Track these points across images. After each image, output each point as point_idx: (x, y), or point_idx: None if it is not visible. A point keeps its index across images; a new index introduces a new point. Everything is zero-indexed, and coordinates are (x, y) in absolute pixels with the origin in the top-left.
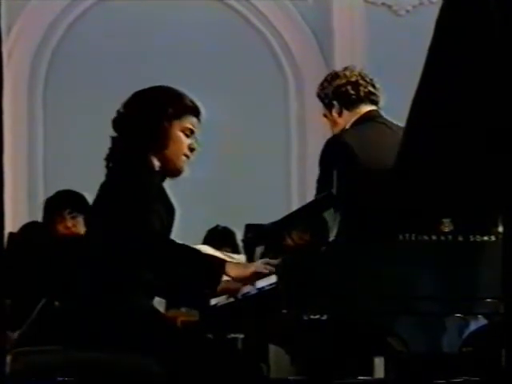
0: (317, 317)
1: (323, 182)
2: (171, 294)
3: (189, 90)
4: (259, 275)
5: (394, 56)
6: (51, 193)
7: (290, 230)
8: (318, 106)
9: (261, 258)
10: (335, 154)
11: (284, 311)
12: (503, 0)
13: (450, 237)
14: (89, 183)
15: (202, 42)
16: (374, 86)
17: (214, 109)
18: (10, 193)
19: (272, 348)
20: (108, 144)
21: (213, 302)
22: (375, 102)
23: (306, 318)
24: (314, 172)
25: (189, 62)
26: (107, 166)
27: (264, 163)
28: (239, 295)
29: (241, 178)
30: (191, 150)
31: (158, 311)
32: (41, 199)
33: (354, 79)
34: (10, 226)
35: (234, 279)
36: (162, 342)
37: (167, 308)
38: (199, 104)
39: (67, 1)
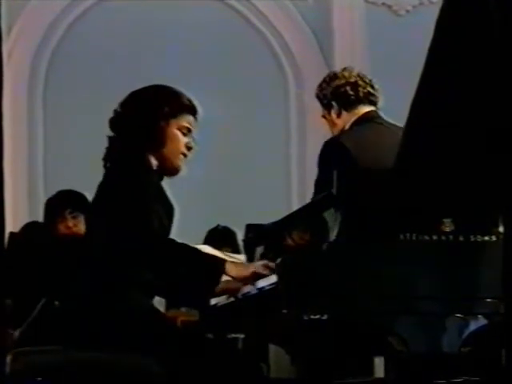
0: (317, 317)
1: (321, 184)
2: (171, 294)
3: (189, 90)
4: (259, 275)
5: (394, 56)
6: (51, 193)
7: (291, 230)
8: (317, 106)
9: (261, 258)
10: (332, 156)
11: (284, 311)
12: (503, 0)
13: (450, 237)
14: (89, 183)
15: (202, 42)
16: (372, 87)
17: (214, 109)
18: (10, 193)
19: (272, 348)
20: None
21: (213, 301)
22: (374, 103)
23: (306, 317)
24: (314, 172)
25: (189, 62)
26: (105, 166)
27: (264, 163)
28: (239, 295)
29: (241, 177)
30: (188, 148)
31: (158, 311)
32: (41, 199)
33: (352, 80)
34: (11, 226)
35: (234, 279)
36: (161, 341)
37: (167, 308)
38: (199, 104)
39: (67, 1)
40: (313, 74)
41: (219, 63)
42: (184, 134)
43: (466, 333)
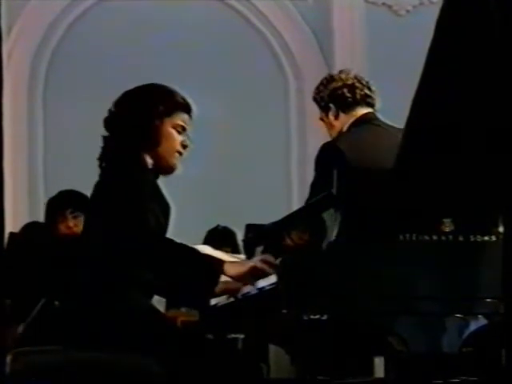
0: (317, 317)
1: (317, 187)
2: (171, 294)
3: (189, 90)
4: (258, 271)
5: (394, 56)
6: (51, 193)
7: (290, 230)
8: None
9: None
10: (328, 159)
11: (284, 311)
12: (503, 0)
13: (450, 237)
14: (89, 183)
15: (202, 41)
16: (369, 89)
17: (214, 109)
18: (10, 193)
19: (272, 348)
20: None
21: (213, 301)
22: (371, 105)
23: (306, 317)
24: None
25: (189, 62)
26: (100, 166)
27: (264, 163)
28: (239, 295)
29: (241, 177)
30: (184, 146)
31: (157, 311)
32: (41, 199)
33: (350, 82)
34: (11, 226)
35: (233, 278)
36: (161, 341)
37: (167, 308)
38: (200, 104)
39: (67, 1)
40: (313, 74)
41: (219, 63)
42: (179, 133)
43: (466, 333)
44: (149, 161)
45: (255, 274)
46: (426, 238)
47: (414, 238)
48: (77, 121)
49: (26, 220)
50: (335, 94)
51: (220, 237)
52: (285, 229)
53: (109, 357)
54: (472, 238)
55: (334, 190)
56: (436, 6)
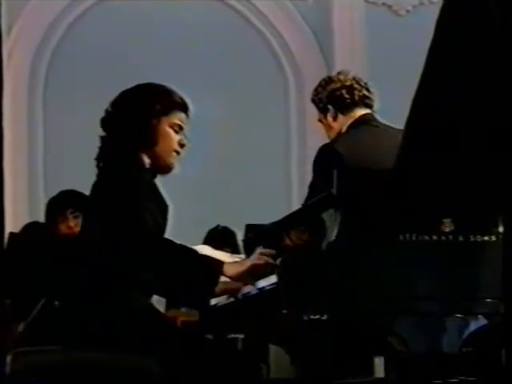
0: (317, 317)
1: (315, 188)
2: (171, 294)
3: (189, 90)
4: (257, 268)
5: (394, 56)
6: (51, 193)
7: (289, 230)
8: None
9: None
10: (326, 161)
11: (284, 311)
12: (503, 0)
13: (450, 237)
14: (89, 183)
15: (202, 41)
16: (368, 90)
17: (215, 109)
18: (10, 193)
19: (272, 348)
20: None
21: (213, 301)
22: (370, 106)
23: (306, 318)
24: None
25: (189, 62)
26: (98, 166)
27: (264, 163)
28: (239, 295)
29: (241, 177)
30: (181, 145)
31: (157, 311)
32: (41, 199)
33: (348, 83)
34: (11, 226)
35: (233, 278)
36: (161, 341)
37: (167, 308)
38: (200, 103)
39: (67, 1)
40: (313, 74)
41: (219, 63)
42: (176, 132)
43: (466, 333)
44: (146, 160)
45: (256, 272)
46: (426, 238)
47: (413, 238)
48: (77, 121)
49: (25, 220)
50: (334, 96)
51: (220, 237)
52: (285, 229)
53: (109, 357)
54: (472, 238)
55: (333, 190)
56: (436, 5)
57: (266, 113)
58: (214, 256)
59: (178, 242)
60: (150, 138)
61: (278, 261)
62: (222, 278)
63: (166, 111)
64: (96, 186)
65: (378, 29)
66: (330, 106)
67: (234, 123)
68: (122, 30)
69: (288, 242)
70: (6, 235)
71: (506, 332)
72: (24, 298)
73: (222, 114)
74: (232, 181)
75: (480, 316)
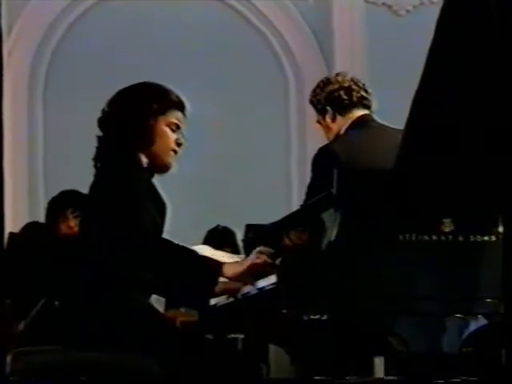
0: (317, 317)
1: (313, 189)
2: (171, 294)
3: (189, 90)
4: (256, 267)
5: (394, 56)
6: (51, 193)
7: (289, 230)
8: None
9: None
10: (323, 163)
11: (284, 311)
12: (503, 0)
13: (450, 237)
14: (89, 183)
15: (202, 41)
16: (366, 91)
17: (215, 108)
18: (10, 193)
19: (272, 348)
20: None
21: (213, 301)
22: (368, 107)
23: (306, 318)
24: None
25: (189, 62)
26: (95, 166)
27: (264, 163)
28: (239, 295)
29: (241, 177)
30: (178, 144)
31: (157, 311)
32: (41, 199)
33: (346, 84)
34: (11, 226)
35: (232, 279)
36: (161, 341)
37: (167, 308)
38: (200, 103)
39: (67, 1)
40: (313, 74)
41: (219, 63)
42: (173, 131)
43: (466, 333)
44: (143, 160)
45: (256, 271)
46: (426, 238)
47: (413, 238)
48: (77, 121)
49: (26, 220)
50: (332, 97)
51: (220, 237)
52: (284, 229)
53: (109, 357)
54: (472, 238)
55: (333, 191)
56: (436, 5)
57: (266, 113)
58: (214, 256)
59: (177, 242)
60: (147, 138)
61: (278, 261)
62: (222, 278)
63: (163, 110)
64: (94, 186)
65: (377, 29)
66: (328, 108)
67: (235, 123)
68: (122, 30)
69: (288, 242)
70: (6, 235)
71: (506, 332)
72: (24, 297)
73: (223, 114)
74: (232, 181)
75: (480, 316)
